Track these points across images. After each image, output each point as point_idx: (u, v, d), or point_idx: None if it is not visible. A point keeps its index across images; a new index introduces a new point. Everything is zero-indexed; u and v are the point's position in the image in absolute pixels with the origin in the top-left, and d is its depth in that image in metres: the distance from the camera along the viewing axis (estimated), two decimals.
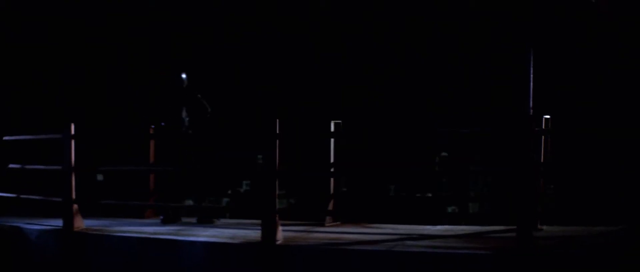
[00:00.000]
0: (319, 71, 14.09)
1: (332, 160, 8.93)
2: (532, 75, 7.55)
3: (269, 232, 7.53)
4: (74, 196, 8.88)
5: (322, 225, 8.79)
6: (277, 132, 7.55)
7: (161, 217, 9.50)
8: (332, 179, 8.89)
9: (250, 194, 14.31)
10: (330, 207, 8.88)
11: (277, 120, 7.53)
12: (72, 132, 8.91)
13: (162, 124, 9.56)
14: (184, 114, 9.44)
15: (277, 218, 7.60)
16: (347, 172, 10.82)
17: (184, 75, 9.55)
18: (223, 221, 9.54)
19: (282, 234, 7.66)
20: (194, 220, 9.47)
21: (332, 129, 8.76)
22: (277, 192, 7.64)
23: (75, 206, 8.88)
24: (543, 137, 8.16)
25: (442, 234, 7.97)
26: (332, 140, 8.89)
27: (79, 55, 13.79)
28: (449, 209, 14.88)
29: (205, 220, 9.33)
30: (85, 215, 9.11)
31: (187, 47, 13.93)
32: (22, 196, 9.69)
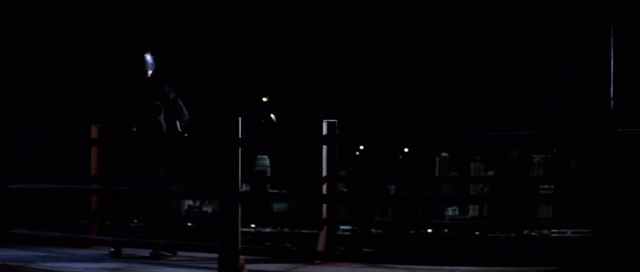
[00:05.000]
0: (314, 68, 12.00)
1: (324, 172, 6.66)
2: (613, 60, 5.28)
3: None
4: None
5: (311, 263, 6.48)
6: (240, 136, 5.27)
7: (111, 249, 7.15)
8: (324, 205, 6.56)
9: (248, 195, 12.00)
10: (321, 244, 6.54)
11: (240, 119, 5.25)
12: None
13: (134, 129, 7.13)
14: (162, 117, 7.05)
15: (241, 260, 5.33)
16: (340, 196, 8.58)
17: (148, 57, 7.08)
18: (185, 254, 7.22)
19: None
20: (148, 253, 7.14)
21: (325, 130, 6.51)
22: (240, 219, 5.36)
23: None
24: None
25: None
26: (325, 146, 6.60)
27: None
28: (450, 211, 14.94)
29: (159, 254, 7.01)
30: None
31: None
32: None
